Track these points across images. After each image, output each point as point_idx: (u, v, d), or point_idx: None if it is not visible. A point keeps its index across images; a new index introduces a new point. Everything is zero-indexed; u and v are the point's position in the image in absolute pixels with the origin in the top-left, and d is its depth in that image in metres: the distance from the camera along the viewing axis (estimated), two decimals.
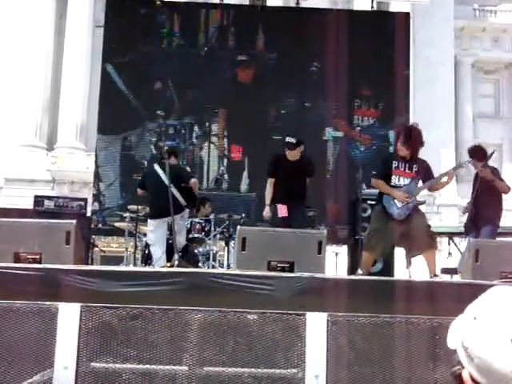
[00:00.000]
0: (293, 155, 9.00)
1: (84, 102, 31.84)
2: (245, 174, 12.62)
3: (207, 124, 12.85)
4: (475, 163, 9.29)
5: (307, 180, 9.19)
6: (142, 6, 12.99)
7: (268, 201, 9.01)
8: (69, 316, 5.10)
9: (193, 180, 9.69)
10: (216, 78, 12.86)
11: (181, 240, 9.28)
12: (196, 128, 12.84)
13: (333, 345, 5.13)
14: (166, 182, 8.75)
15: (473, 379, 1.47)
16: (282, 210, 8.83)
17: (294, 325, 5.17)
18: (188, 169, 12.14)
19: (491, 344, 1.44)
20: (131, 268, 8.88)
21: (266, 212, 8.96)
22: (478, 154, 9.37)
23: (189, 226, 10.18)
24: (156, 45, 12.94)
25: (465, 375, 1.49)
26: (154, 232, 9.43)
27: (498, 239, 8.98)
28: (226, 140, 12.83)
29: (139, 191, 9.76)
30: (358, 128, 12.71)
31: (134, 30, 12.91)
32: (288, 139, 9.08)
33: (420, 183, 7.96)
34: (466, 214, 9.49)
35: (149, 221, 9.62)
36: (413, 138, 7.67)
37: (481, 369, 1.47)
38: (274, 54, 13.01)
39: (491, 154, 9.48)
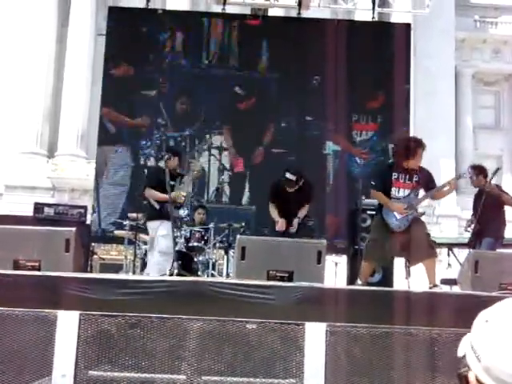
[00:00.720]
0: (293, 188, 9.06)
1: (85, 110, 31.88)
2: (246, 186, 12.63)
3: (208, 136, 12.86)
4: (480, 180, 9.49)
5: (306, 205, 9.26)
6: (144, 23, 13.00)
7: (277, 217, 9.06)
8: (67, 324, 5.09)
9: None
10: (217, 91, 12.88)
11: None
12: (196, 140, 12.86)
13: (331, 355, 5.12)
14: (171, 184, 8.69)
15: (478, 381, 1.48)
16: (280, 224, 8.93)
17: (292, 335, 5.17)
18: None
19: (500, 345, 1.45)
20: (130, 276, 8.86)
21: (281, 223, 8.98)
22: (483, 171, 9.61)
23: (188, 234, 10.17)
24: (157, 61, 12.96)
25: (471, 377, 1.50)
26: (168, 237, 8.69)
27: (498, 250, 9.00)
28: (226, 153, 12.83)
29: (150, 192, 9.05)
30: (357, 142, 12.73)
31: (136, 47, 12.91)
32: (288, 176, 9.00)
33: (421, 192, 7.96)
34: (470, 229, 9.59)
35: (157, 222, 8.94)
36: (412, 149, 7.68)
37: (487, 370, 1.48)
38: (274, 68, 13.03)
39: (496, 170, 9.60)
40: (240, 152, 12.85)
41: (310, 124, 12.81)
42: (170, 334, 5.14)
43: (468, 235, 9.84)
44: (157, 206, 9.06)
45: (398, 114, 13.00)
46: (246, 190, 12.64)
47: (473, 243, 9.49)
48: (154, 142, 12.60)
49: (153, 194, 9.02)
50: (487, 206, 9.18)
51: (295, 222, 9.05)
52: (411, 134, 12.71)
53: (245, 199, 12.64)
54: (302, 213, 9.17)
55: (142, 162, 12.62)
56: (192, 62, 13.06)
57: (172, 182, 8.82)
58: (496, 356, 1.45)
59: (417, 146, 7.75)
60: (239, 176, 12.74)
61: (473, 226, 9.48)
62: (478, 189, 9.68)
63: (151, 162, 12.48)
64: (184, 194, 9.11)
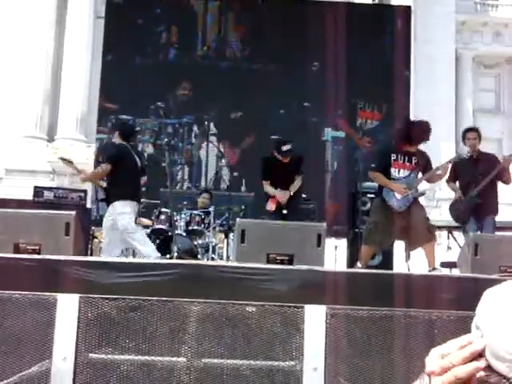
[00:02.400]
0: (286, 159, 9.05)
1: (84, 94, 31.77)
2: (242, 173, 12.59)
3: (206, 123, 12.82)
4: (476, 145, 9.13)
5: (299, 177, 9.23)
6: (141, 12, 12.91)
7: (272, 191, 9.03)
8: (67, 307, 5.10)
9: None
10: (215, 77, 12.82)
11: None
12: (195, 127, 12.81)
13: (331, 338, 5.13)
14: (139, 164, 8.62)
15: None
16: (271, 204, 8.91)
17: (292, 317, 5.18)
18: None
19: (500, 322, 1.45)
20: (130, 259, 8.88)
21: (280, 195, 8.96)
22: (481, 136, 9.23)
23: (188, 218, 10.18)
24: (154, 49, 12.89)
25: None
26: (132, 216, 8.45)
27: (498, 233, 8.94)
28: (223, 141, 12.79)
29: (107, 167, 8.56)
30: (361, 130, 12.68)
31: (134, 34, 12.84)
32: (285, 148, 9.10)
33: (419, 175, 7.97)
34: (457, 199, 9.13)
35: (122, 202, 8.45)
36: (413, 134, 7.68)
37: (489, 346, 1.48)
38: (272, 54, 12.95)
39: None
40: (236, 140, 12.80)
41: (308, 110, 12.76)
42: (171, 316, 5.15)
43: None
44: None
45: (400, 103, 12.97)
46: (243, 176, 12.60)
47: (466, 215, 8.95)
48: (152, 129, 12.55)
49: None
50: (491, 178, 8.81)
51: (286, 194, 9.00)
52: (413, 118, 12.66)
53: (242, 187, 12.61)
54: (295, 186, 9.16)
55: (139, 149, 12.56)
56: (189, 51, 13.01)
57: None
58: (496, 333, 1.45)
59: (423, 136, 7.74)
60: (236, 164, 12.69)
61: (466, 197, 8.91)
62: (463, 155, 9.29)
63: (149, 149, 12.45)
64: None
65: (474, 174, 8.92)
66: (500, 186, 9.13)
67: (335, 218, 12.33)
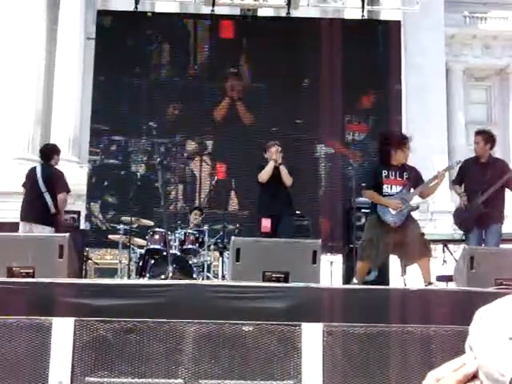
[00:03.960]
0: (273, 156, 9.29)
1: (76, 114, 31.78)
2: (235, 191, 12.58)
3: (198, 141, 12.80)
4: (486, 149, 8.77)
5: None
6: (132, 32, 12.93)
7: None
8: (63, 331, 5.06)
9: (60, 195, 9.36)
10: (207, 95, 12.82)
11: None
12: (187, 145, 12.79)
13: (329, 355, 5.11)
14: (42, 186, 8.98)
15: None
16: (265, 225, 8.93)
17: (289, 336, 5.15)
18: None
19: (492, 343, 1.43)
20: (125, 281, 8.84)
21: (265, 223, 9.05)
22: (493, 143, 8.95)
23: (183, 237, 10.15)
24: (145, 70, 12.90)
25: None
26: None
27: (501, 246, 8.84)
28: (214, 158, 12.78)
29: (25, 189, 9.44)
30: (350, 144, 12.69)
31: (124, 54, 12.85)
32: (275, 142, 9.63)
33: (412, 189, 7.99)
34: (463, 205, 8.73)
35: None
36: (397, 142, 7.77)
37: (482, 368, 1.47)
38: (263, 71, 12.95)
39: None
40: (228, 157, 12.79)
41: (300, 127, 12.76)
42: (166, 338, 5.11)
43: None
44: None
45: (391, 114, 12.99)
46: (233, 195, 12.58)
47: (470, 224, 8.65)
48: (144, 148, 12.54)
49: None
50: (493, 182, 8.50)
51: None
52: (403, 131, 12.67)
53: (234, 206, 12.59)
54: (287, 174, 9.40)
55: (132, 169, 12.55)
56: (180, 70, 13.02)
57: None
58: (488, 354, 1.43)
59: (402, 138, 7.83)
60: (229, 182, 12.67)
61: (473, 204, 8.58)
62: (472, 158, 9.00)
63: (142, 169, 12.42)
64: None
65: (481, 180, 8.58)
66: (508, 193, 8.82)
67: (330, 234, 12.29)
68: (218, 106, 12.83)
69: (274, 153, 9.41)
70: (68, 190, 9.44)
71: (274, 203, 9.21)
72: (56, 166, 9.80)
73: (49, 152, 9.87)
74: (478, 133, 9.14)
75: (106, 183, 12.51)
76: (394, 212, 7.65)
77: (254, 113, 12.91)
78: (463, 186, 8.92)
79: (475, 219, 8.57)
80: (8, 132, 31.91)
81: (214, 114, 12.80)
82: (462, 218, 8.87)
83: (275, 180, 9.33)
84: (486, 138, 8.91)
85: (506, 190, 8.80)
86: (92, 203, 12.46)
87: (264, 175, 9.36)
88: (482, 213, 8.51)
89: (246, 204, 12.19)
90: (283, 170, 9.40)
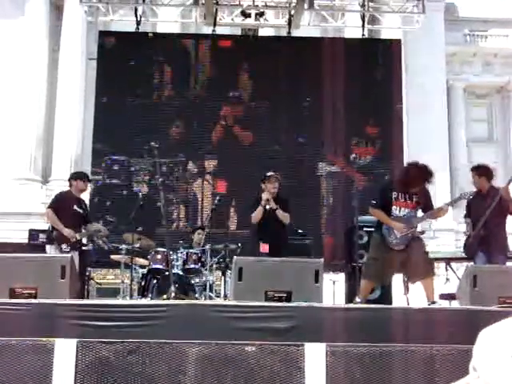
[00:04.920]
0: (271, 190, 9.12)
1: (78, 135, 31.84)
2: (235, 211, 12.59)
3: (200, 161, 12.83)
4: (484, 184, 9.15)
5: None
6: (133, 52, 13.00)
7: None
8: (65, 352, 5.05)
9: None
10: (208, 114, 12.87)
11: None
12: (189, 165, 12.82)
13: (332, 376, 5.08)
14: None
15: None
16: (264, 247, 8.92)
17: (292, 356, 5.13)
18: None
19: (494, 361, 1.44)
20: (127, 301, 8.81)
21: (263, 246, 9.01)
22: (488, 174, 9.27)
23: (185, 256, 10.14)
24: (147, 90, 12.95)
25: None
26: None
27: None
28: (215, 177, 12.79)
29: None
30: (353, 164, 12.68)
31: (126, 75, 12.91)
32: (270, 173, 9.34)
33: (420, 212, 7.95)
34: (468, 234, 9.18)
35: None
36: (411, 178, 7.67)
37: None
38: (265, 90, 13.00)
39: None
40: (230, 177, 12.81)
41: (303, 145, 12.78)
42: (169, 359, 5.09)
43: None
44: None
45: (395, 138, 13.00)
46: (235, 214, 12.59)
47: (473, 249, 9.03)
48: (146, 168, 12.56)
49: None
50: (495, 214, 8.79)
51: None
52: (405, 150, 12.69)
53: (234, 225, 12.60)
54: (284, 214, 9.20)
55: (134, 189, 12.56)
56: (182, 90, 13.07)
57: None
58: (492, 374, 1.43)
59: (422, 180, 7.72)
60: (231, 201, 12.68)
61: (474, 231, 8.98)
62: (475, 192, 9.24)
63: (144, 189, 12.43)
64: (78, 237, 9.20)
65: (482, 210, 8.91)
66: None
67: (332, 253, 12.28)
68: (213, 130, 12.88)
69: (265, 196, 9.14)
70: (49, 206, 9.43)
71: (269, 237, 9.05)
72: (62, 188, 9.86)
73: None
74: (472, 169, 9.52)
75: (108, 203, 12.52)
76: (398, 235, 7.63)
77: (255, 132, 12.94)
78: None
79: (478, 244, 8.90)
80: (10, 152, 31.97)
81: (212, 137, 12.85)
82: (466, 245, 9.26)
83: (269, 219, 9.15)
84: (479, 172, 9.28)
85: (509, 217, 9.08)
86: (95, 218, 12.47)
87: (255, 218, 9.21)
88: (483, 238, 8.83)
89: (246, 222, 12.20)
90: (279, 213, 9.16)
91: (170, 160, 12.69)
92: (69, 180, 9.67)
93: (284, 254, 9.07)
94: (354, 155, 12.37)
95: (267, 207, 9.11)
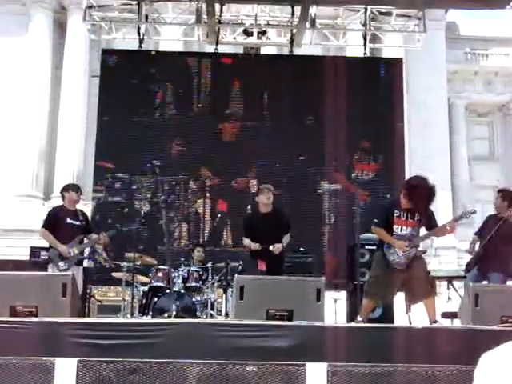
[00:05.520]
0: (265, 201, 9.04)
1: (80, 152, 31.91)
2: (235, 228, 12.62)
3: (201, 179, 12.87)
4: (504, 206, 9.26)
5: (285, 236, 9.15)
6: (136, 70, 13.07)
7: (254, 245, 8.98)
8: (65, 372, 5.02)
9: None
10: (210, 133, 12.92)
11: None
12: (191, 183, 12.85)
13: None
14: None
15: None
16: (261, 265, 8.87)
17: (294, 376, 5.10)
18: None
19: None
20: (128, 320, 8.79)
21: (254, 246, 8.95)
22: (509, 198, 9.35)
23: (186, 274, 10.12)
24: (149, 109, 13.01)
25: None
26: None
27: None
28: (219, 195, 12.83)
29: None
30: (355, 181, 12.71)
31: (129, 93, 12.97)
32: (262, 186, 9.39)
33: (422, 230, 7.91)
34: (471, 248, 9.44)
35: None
36: (415, 194, 7.64)
37: None
38: (267, 108, 13.05)
39: None
40: (229, 195, 12.83)
41: (304, 163, 12.80)
42: (170, 378, 5.07)
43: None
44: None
45: (396, 152, 13.02)
46: (235, 232, 12.61)
47: (470, 267, 9.26)
48: (148, 186, 12.60)
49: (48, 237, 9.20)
50: (502, 236, 8.97)
51: (277, 246, 8.93)
52: (406, 168, 12.70)
53: (231, 241, 12.61)
54: (286, 240, 9.10)
55: (136, 207, 12.57)
56: (184, 109, 13.13)
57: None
58: None
59: (427, 198, 7.70)
60: (231, 219, 12.69)
61: (477, 246, 9.29)
62: (494, 213, 9.46)
63: (146, 207, 12.45)
64: (76, 251, 9.15)
65: (490, 231, 9.13)
66: None
67: (334, 271, 12.27)
68: (214, 148, 12.92)
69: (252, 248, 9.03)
70: (42, 225, 9.39)
71: (265, 253, 8.93)
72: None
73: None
74: (498, 191, 9.80)
75: (109, 220, 12.52)
76: (400, 254, 7.61)
77: (256, 150, 12.96)
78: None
79: (475, 262, 9.18)
80: (12, 169, 32.03)
81: (213, 155, 12.90)
82: (467, 262, 9.50)
83: (268, 230, 8.99)
84: (504, 195, 9.43)
85: None
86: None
87: (248, 247, 9.11)
88: (480, 256, 9.08)
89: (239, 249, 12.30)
90: (279, 249, 8.95)
91: (171, 178, 12.71)
92: (61, 193, 9.62)
93: (282, 270, 9.07)
94: (355, 173, 12.40)
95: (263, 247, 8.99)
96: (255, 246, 8.99)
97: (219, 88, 13.26)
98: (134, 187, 12.67)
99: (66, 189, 9.58)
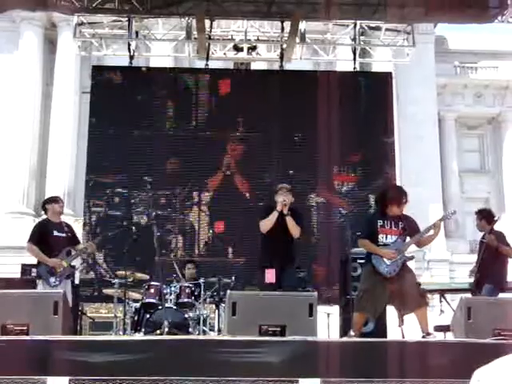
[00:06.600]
0: (287, 199, 8.80)
1: (71, 167, 31.85)
2: (230, 241, 12.68)
3: (197, 193, 12.91)
4: (483, 225, 9.71)
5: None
6: (128, 87, 13.11)
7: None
8: None
9: None
10: (204, 148, 12.97)
11: None
12: (186, 197, 12.90)
13: None
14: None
15: None
16: (270, 276, 8.65)
17: None
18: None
19: None
20: (120, 337, 8.75)
21: (271, 274, 8.73)
22: (486, 216, 9.77)
23: (178, 290, 10.09)
24: (143, 124, 13.05)
25: None
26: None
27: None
28: (211, 211, 12.88)
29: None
30: (340, 193, 12.82)
31: (121, 109, 12.99)
32: (280, 185, 9.01)
33: (407, 239, 7.97)
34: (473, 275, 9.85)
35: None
36: (402, 196, 7.79)
37: None
38: (257, 124, 13.13)
39: (497, 218, 9.70)
40: (222, 210, 12.88)
41: (293, 178, 12.85)
42: None
43: (464, 280, 10.06)
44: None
45: (383, 166, 13.09)
46: (231, 243, 12.67)
47: (474, 292, 9.71)
48: (145, 200, 12.62)
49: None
50: (487, 255, 9.43)
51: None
52: (397, 182, 12.75)
53: (230, 254, 12.65)
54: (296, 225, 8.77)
55: (135, 220, 12.60)
56: (175, 124, 13.19)
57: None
58: None
59: (400, 194, 7.85)
60: (224, 233, 12.74)
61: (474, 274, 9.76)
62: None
63: (144, 220, 12.45)
64: (65, 264, 9.07)
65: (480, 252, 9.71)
66: None
67: (325, 284, 12.31)
68: (216, 165, 12.99)
69: (280, 203, 8.64)
70: (28, 240, 9.26)
71: (276, 255, 8.56)
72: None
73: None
74: (475, 213, 10.12)
75: (109, 233, 12.52)
76: (388, 262, 7.63)
77: (247, 166, 13.03)
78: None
79: (474, 286, 9.73)
80: (2, 186, 31.93)
81: (212, 173, 12.95)
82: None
83: (279, 230, 8.63)
84: (482, 216, 9.89)
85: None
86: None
87: (266, 225, 8.65)
88: (477, 279, 9.61)
89: (241, 253, 12.30)
90: (290, 221, 8.63)
91: (168, 192, 12.77)
92: (43, 207, 9.53)
93: (293, 279, 8.92)
94: (345, 186, 12.43)
95: (284, 211, 8.62)
96: (273, 215, 8.61)
97: (211, 104, 13.31)
98: (132, 201, 12.73)
99: (48, 201, 9.50)
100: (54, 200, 9.49)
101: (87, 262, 12.46)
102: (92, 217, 12.82)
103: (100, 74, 13.62)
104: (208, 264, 12.11)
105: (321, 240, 12.77)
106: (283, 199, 8.65)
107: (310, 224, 12.75)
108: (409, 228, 7.87)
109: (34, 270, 10.75)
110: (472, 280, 10.12)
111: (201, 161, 12.92)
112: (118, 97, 13.09)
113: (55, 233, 9.15)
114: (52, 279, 8.84)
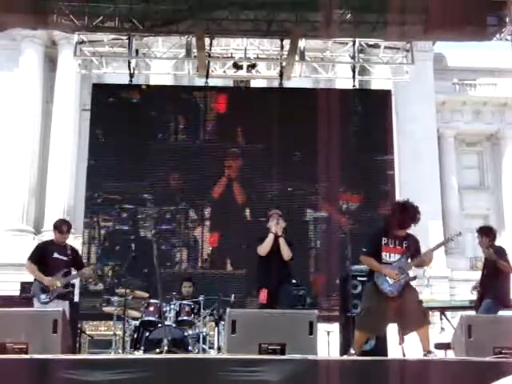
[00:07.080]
0: (280, 223, 9.14)
1: (71, 185, 31.89)
2: (228, 255, 12.77)
3: (201, 208, 12.98)
4: (484, 242, 9.72)
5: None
6: (126, 108, 13.20)
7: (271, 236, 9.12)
8: None
9: None
10: (206, 164, 13.05)
11: None
12: (191, 212, 12.97)
13: None
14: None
15: None
16: (262, 296, 8.84)
17: None
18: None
19: None
20: (120, 355, 8.71)
21: (263, 294, 8.93)
22: (487, 234, 9.77)
23: (178, 308, 10.07)
24: (141, 145, 13.12)
25: None
26: None
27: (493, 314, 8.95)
28: (211, 227, 12.94)
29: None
30: (343, 211, 12.85)
31: (121, 126, 13.07)
32: (271, 211, 9.44)
33: (410, 258, 7.91)
34: (476, 292, 9.96)
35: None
36: (407, 217, 7.71)
37: None
38: (257, 141, 13.20)
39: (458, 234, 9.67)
40: (222, 224, 12.94)
41: (291, 193, 12.92)
42: None
43: (465, 297, 10.11)
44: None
45: (387, 183, 13.11)
46: (228, 260, 12.73)
47: (476, 308, 9.73)
48: (151, 215, 12.69)
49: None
50: (488, 270, 9.55)
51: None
52: (397, 199, 12.73)
53: (229, 267, 12.73)
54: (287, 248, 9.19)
55: (141, 235, 12.65)
56: (175, 141, 13.26)
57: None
58: None
59: (412, 221, 7.76)
60: (224, 246, 12.81)
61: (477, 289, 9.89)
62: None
63: (149, 234, 12.49)
64: (59, 284, 9.06)
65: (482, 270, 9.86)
66: None
67: (325, 302, 12.32)
68: (217, 183, 13.03)
69: (274, 225, 9.19)
70: (29, 257, 9.25)
71: (272, 275, 8.95)
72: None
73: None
74: (477, 231, 10.08)
75: (117, 247, 12.59)
76: (391, 281, 7.58)
77: (248, 183, 13.07)
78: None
79: (477, 302, 9.75)
80: (2, 203, 31.93)
81: (213, 190, 12.99)
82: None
83: (274, 250, 9.10)
84: (480, 233, 9.89)
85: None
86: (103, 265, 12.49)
87: (264, 248, 9.13)
88: (480, 295, 9.67)
89: (240, 266, 12.33)
90: (282, 243, 9.15)
91: (173, 208, 12.82)
92: (53, 227, 9.56)
93: (290, 297, 9.06)
94: (344, 203, 12.44)
95: (278, 233, 9.11)
96: (269, 237, 9.09)
97: (212, 121, 13.35)
98: (135, 218, 12.81)
99: (56, 227, 9.45)
100: (60, 230, 9.38)
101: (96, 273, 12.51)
102: (92, 232, 12.85)
103: (100, 92, 13.67)
104: (209, 277, 12.23)
105: (319, 255, 12.78)
106: (276, 222, 9.17)
107: (307, 239, 12.82)
108: (413, 247, 7.81)
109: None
110: (473, 297, 10.23)
111: (201, 176, 13.00)
112: (118, 114, 13.14)
113: (55, 255, 9.15)
114: (43, 296, 8.86)
